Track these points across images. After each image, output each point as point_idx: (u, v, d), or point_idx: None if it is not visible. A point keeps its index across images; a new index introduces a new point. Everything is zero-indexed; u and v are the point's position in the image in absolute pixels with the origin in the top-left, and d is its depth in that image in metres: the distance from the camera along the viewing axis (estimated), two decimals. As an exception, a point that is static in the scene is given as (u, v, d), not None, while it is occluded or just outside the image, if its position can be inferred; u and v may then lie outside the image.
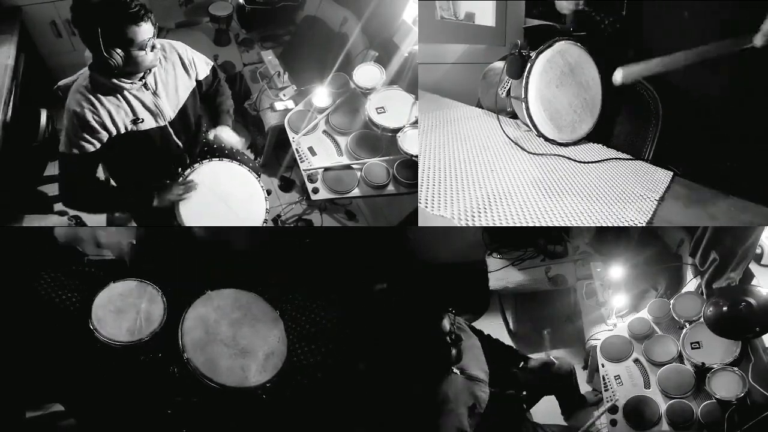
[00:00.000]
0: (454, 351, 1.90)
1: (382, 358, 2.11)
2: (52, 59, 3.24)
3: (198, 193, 2.22)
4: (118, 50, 1.87)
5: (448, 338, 1.89)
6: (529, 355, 2.33)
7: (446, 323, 1.90)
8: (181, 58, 2.15)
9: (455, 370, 1.91)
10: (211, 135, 2.34)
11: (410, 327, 1.94)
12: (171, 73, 2.12)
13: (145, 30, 1.88)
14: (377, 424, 2.04)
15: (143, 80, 2.02)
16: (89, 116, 1.95)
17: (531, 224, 1.60)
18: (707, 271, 2.20)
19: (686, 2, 2.09)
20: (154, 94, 2.07)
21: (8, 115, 2.50)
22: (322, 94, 2.77)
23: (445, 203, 1.68)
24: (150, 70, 2.02)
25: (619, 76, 2.02)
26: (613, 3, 2.33)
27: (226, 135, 2.35)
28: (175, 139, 2.19)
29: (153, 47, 1.94)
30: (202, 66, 2.24)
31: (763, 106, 2.03)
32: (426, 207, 1.68)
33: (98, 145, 2.00)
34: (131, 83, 1.99)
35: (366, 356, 2.34)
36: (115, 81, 1.96)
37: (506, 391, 2.11)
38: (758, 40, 1.69)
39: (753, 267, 2.21)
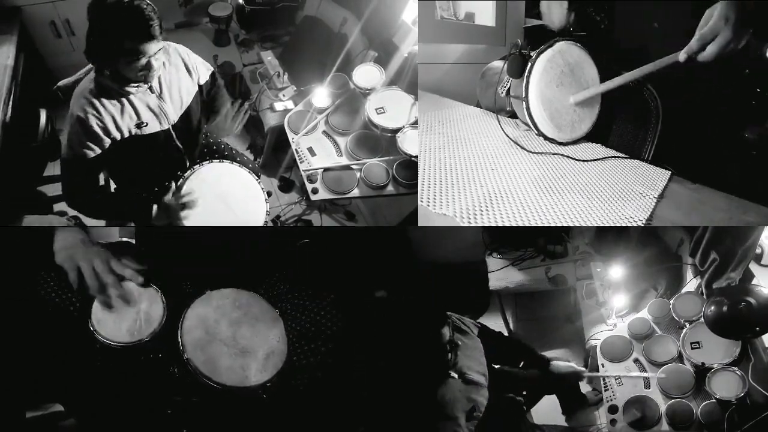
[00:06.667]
0: (451, 356, 1.91)
1: (381, 360, 2.11)
2: (52, 59, 3.24)
3: (198, 194, 2.22)
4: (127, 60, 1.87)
5: (447, 345, 1.89)
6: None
7: (446, 331, 1.90)
8: (184, 61, 2.14)
9: (453, 374, 1.91)
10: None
11: (410, 332, 1.94)
12: (175, 75, 2.12)
13: (156, 45, 1.89)
14: (377, 423, 2.04)
15: (148, 83, 2.02)
16: (93, 122, 1.95)
17: (532, 223, 1.60)
18: (707, 271, 2.20)
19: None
20: (159, 97, 2.07)
21: (8, 115, 2.49)
22: (321, 95, 2.76)
23: (446, 203, 1.68)
24: None
25: (571, 99, 2.22)
26: (602, 3, 2.34)
27: None
28: (177, 142, 2.19)
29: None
30: (203, 71, 2.24)
31: (764, 106, 2.04)
32: (427, 206, 1.67)
33: (99, 151, 2.00)
34: (137, 86, 1.99)
35: (365, 357, 2.34)
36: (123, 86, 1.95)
37: (507, 395, 2.11)
38: (681, 56, 1.73)
39: (753, 267, 2.20)
